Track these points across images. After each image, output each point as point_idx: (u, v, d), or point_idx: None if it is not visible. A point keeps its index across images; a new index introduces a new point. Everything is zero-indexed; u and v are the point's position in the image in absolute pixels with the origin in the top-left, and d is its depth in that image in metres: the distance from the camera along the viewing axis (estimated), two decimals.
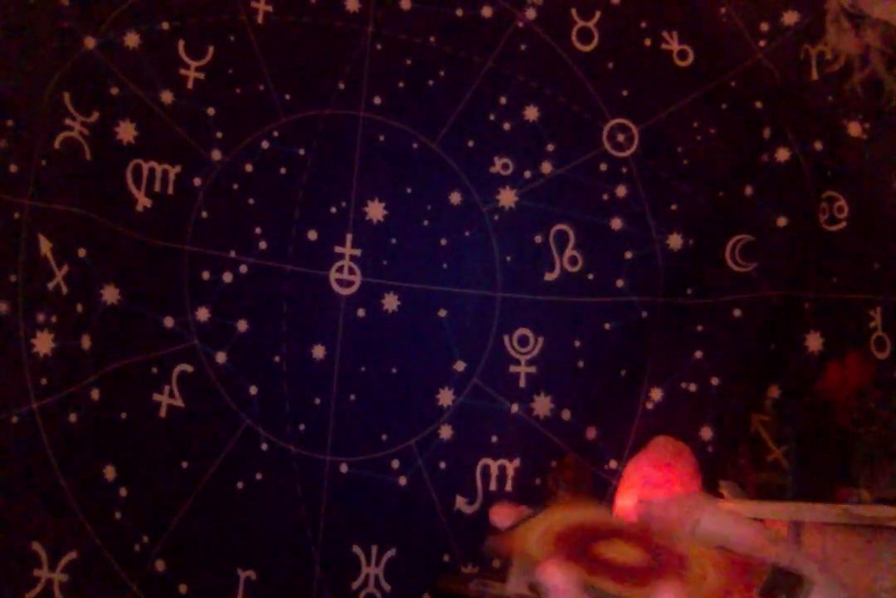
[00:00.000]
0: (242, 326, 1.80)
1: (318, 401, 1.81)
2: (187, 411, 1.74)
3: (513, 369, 1.88)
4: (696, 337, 1.87)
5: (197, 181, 1.79)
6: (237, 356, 1.78)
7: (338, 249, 1.86)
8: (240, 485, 1.75)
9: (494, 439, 1.86)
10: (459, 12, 1.92)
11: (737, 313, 1.85)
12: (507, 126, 1.92)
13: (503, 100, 1.92)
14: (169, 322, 1.75)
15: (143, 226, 1.73)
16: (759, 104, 1.92)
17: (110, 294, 1.68)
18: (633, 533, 0.44)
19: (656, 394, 1.88)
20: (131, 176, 1.72)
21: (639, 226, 1.92)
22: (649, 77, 1.95)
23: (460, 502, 1.83)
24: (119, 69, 1.70)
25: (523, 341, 1.89)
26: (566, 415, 1.87)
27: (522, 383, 1.88)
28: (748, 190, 1.89)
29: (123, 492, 1.65)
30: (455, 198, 1.90)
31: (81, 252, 1.63)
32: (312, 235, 1.85)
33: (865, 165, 1.85)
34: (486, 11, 1.92)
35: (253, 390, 1.78)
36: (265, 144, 1.84)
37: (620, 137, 1.94)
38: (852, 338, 1.79)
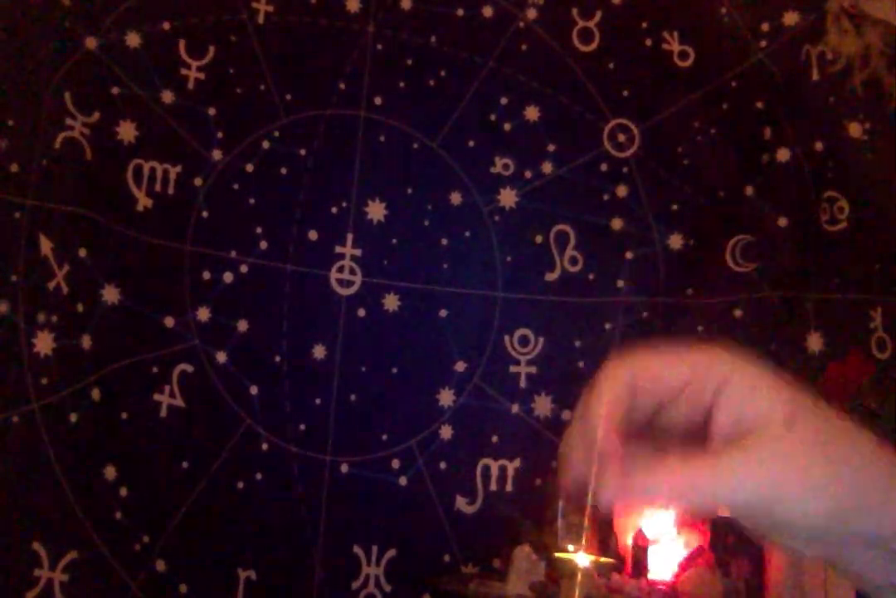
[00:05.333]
0: (243, 326, 1.80)
1: (318, 401, 1.81)
2: (188, 411, 1.74)
3: (513, 369, 1.88)
4: (696, 337, 1.87)
5: (197, 181, 1.79)
6: (237, 356, 1.78)
7: (338, 249, 1.86)
8: (240, 485, 1.75)
9: (495, 439, 1.85)
10: (460, 12, 1.91)
11: (737, 313, 1.85)
12: (507, 126, 1.92)
13: (504, 100, 1.92)
14: (169, 322, 1.75)
15: (144, 226, 1.73)
16: (759, 104, 1.92)
17: (110, 294, 1.68)
18: None
19: None
20: (132, 176, 1.72)
21: (639, 226, 1.92)
22: (650, 77, 1.95)
23: (460, 502, 1.82)
24: (120, 69, 1.70)
25: (524, 342, 1.89)
26: (566, 415, 1.87)
27: (523, 384, 1.88)
28: (748, 190, 1.89)
29: (123, 492, 1.65)
30: (456, 198, 1.90)
31: (82, 252, 1.63)
32: (313, 235, 1.85)
33: (866, 165, 1.85)
34: (487, 11, 1.92)
35: (253, 390, 1.78)
36: (266, 144, 1.84)
37: (621, 138, 1.94)
38: (853, 338, 1.79)
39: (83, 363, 1.62)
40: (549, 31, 1.94)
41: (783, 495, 0.33)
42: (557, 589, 1.60)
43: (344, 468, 1.80)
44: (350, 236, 1.86)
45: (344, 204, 1.86)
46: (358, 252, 1.86)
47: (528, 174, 1.92)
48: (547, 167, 1.92)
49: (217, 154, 1.80)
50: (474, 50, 1.92)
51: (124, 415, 1.68)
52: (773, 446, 0.34)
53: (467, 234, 1.91)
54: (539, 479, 1.85)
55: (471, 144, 1.91)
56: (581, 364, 1.89)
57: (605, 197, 1.92)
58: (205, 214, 1.79)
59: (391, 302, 1.86)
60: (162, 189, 1.75)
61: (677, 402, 0.37)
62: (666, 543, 1.70)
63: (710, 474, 0.34)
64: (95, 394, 1.63)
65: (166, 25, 1.76)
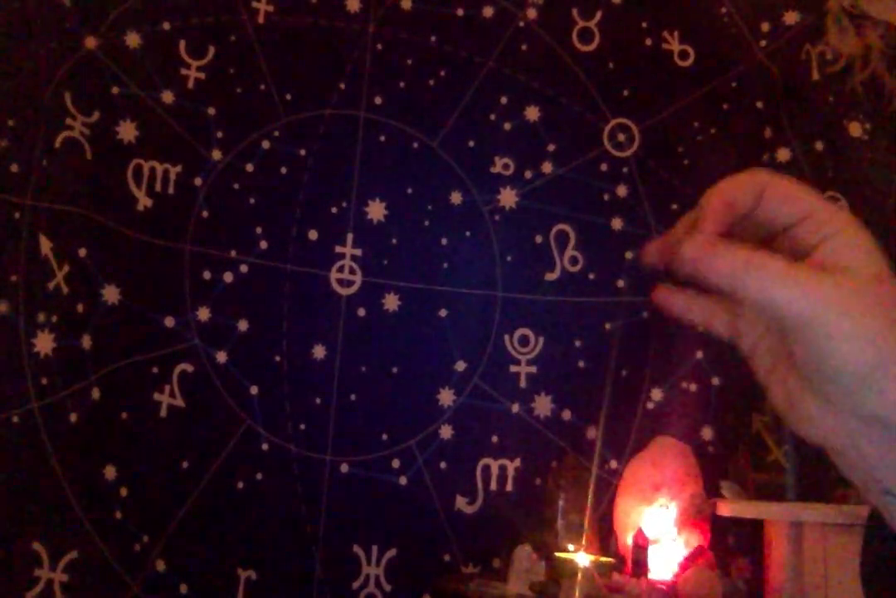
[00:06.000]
0: (243, 325, 1.80)
1: (318, 401, 1.81)
2: (188, 411, 1.74)
3: (513, 368, 1.88)
4: (697, 337, 1.87)
5: (197, 181, 1.79)
6: (238, 356, 1.78)
7: (338, 249, 1.86)
8: (240, 485, 1.75)
9: (495, 439, 1.86)
10: (460, 12, 1.92)
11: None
12: (507, 126, 1.92)
13: (504, 100, 1.92)
14: (169, 322, 1.75)
15: (144, 226, 1.73)
16: (759, 104, 1.92)
17: (110, 294, 1.68)
18: None
19: (656, 394, 1.88)
20: (132, 176, 1.72)
21: (639, 226, 1.92)
22: (650, 77, 1.95)
23: (460, 502, 1.83)
24: (120, 69, 1.71)
25: (524, 341, 1.89)
26: (566, 415, 1.87)
27: (523, 383, 1.88)
28: None
29: (123, 492, 1.65)
30: (456, 198, 1.90)
31: (82, 252, 1.63)
32: (313, 234, 1.85)
33: (866, 165, 1.85)
34: (487, 11, 1.92)
35: (253, 389, 1.78)
36: (266, 144, 1.84)
37: (621, 137, 1.94)
38: None
39: (83, 363, 1.62)
40: (549, 31, 1.94)
41: (838, 327, 0.35)
42: (557, 589, 1.60)
43: (344, 468, 1.80)
44: (350, 236, 1.86)
45: (344, 204, 1.87)
46: (358, 252, 1.86)
47: (528, 174, 1.92)
48: (547, 167, 1.92)
49: (217, 154, 1.80)
50: (474, 50, 1.92)
51: (124, 415, 1.68)
52: (854, 284, 0.36)
53: (467, 234, 1.91)
54: (539, 479, 1.85)
55: (471, 144, 1.91)
56: (581, 364, 1.89)
57: (605, 197, 1.92)
58: (205, 214, 1.79)
59: (391, 302, 1.86)
60: (162, 189, 1.75)
61: (793, 230, 0.39)
62: (666, 543, 1.70)
63: (790, 271, 0.36)
64: (95, 394, 1.63)
65: (166, 25, 1.76)
